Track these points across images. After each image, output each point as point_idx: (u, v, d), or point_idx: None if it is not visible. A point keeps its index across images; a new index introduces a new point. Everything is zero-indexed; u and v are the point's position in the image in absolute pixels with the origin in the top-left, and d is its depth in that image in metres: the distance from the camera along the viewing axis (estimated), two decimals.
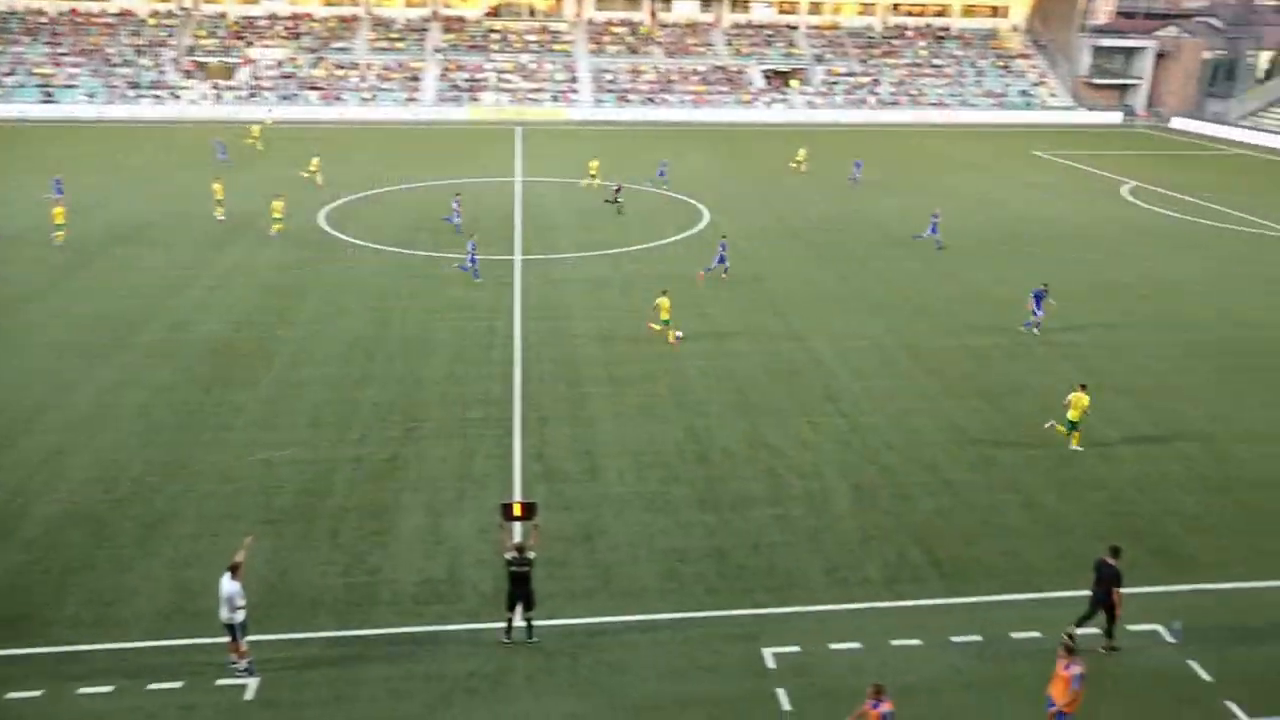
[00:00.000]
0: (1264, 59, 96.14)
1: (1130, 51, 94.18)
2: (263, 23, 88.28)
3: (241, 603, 14.77)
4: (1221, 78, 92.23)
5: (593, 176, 51.76)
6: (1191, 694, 14.86)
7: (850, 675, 15.15)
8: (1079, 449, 22.42)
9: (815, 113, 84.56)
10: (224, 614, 14.82)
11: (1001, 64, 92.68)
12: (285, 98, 79.67)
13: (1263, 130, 79.26)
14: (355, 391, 25.00)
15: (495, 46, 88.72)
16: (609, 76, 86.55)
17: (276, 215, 40.86)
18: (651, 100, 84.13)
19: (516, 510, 15.95)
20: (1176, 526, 19.26)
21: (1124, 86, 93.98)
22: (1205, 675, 15.22)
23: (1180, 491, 20.63)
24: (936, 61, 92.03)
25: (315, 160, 52.03)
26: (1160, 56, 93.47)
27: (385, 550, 18.25)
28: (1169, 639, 15.98)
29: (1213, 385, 26.40)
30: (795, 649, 15.73)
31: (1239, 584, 17.50)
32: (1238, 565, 18.05)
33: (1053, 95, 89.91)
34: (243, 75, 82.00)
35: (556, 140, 70.31)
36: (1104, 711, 14.29)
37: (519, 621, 15.91)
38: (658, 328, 29.05)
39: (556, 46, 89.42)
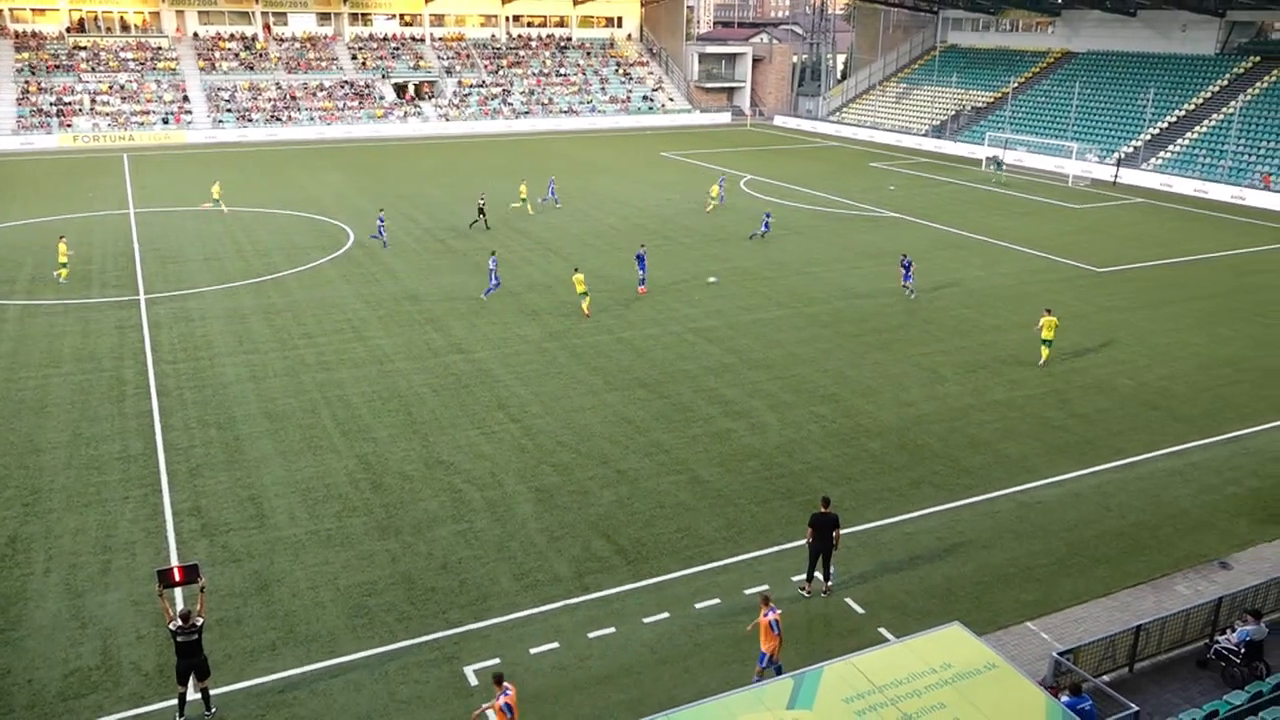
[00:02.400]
0: (840, 61, 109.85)
1: (732, 57, 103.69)
2: None
3: None
4: (809, 79, 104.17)
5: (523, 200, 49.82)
6: (851, 626, 16.68)
7: (553, 675, 15.37)
8: (1043, 365, 28.42)
9: (450, 125, 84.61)
10: None
11: (622, 71, 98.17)
12: None
13: (845, 124, 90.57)
14: None
15: (85, 65, 79.72)
16: (226, 95, 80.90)
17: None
18: (277, 119, 79.81)
19: (176, 575, 14.48)
20: (819, 480, 21.52)
21: (731, 89, 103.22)
22: (859, 609, 17.15)
23: (819, 449, 23.07)
24: (562, 70, 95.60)
25: (216, 186, 49.88)
26: (757, 61, 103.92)
27: (16, 647, 15.80)
28: (826, 583, 17.77)
29: (834, 351, 29.77)
30: (496, 661, 15.68)
31: (876, 523, 19.91)
32: (873, 506, 20.52)
33: (671, 100, 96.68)
34: None
35: (174, 166, 64.55)
36: (783, 654, 15.63)
37: (193, 695, 14.46)
38: (585, 306, 32.20)
39: (160, 64, 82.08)
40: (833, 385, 26.97)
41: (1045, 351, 28.82)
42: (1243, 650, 15.28)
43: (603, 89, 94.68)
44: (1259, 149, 61.42)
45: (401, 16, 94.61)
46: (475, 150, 73.84)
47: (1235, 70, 68.95)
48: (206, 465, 21.83)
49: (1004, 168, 63.40)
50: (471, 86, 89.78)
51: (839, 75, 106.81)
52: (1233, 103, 65.02)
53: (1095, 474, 22.05)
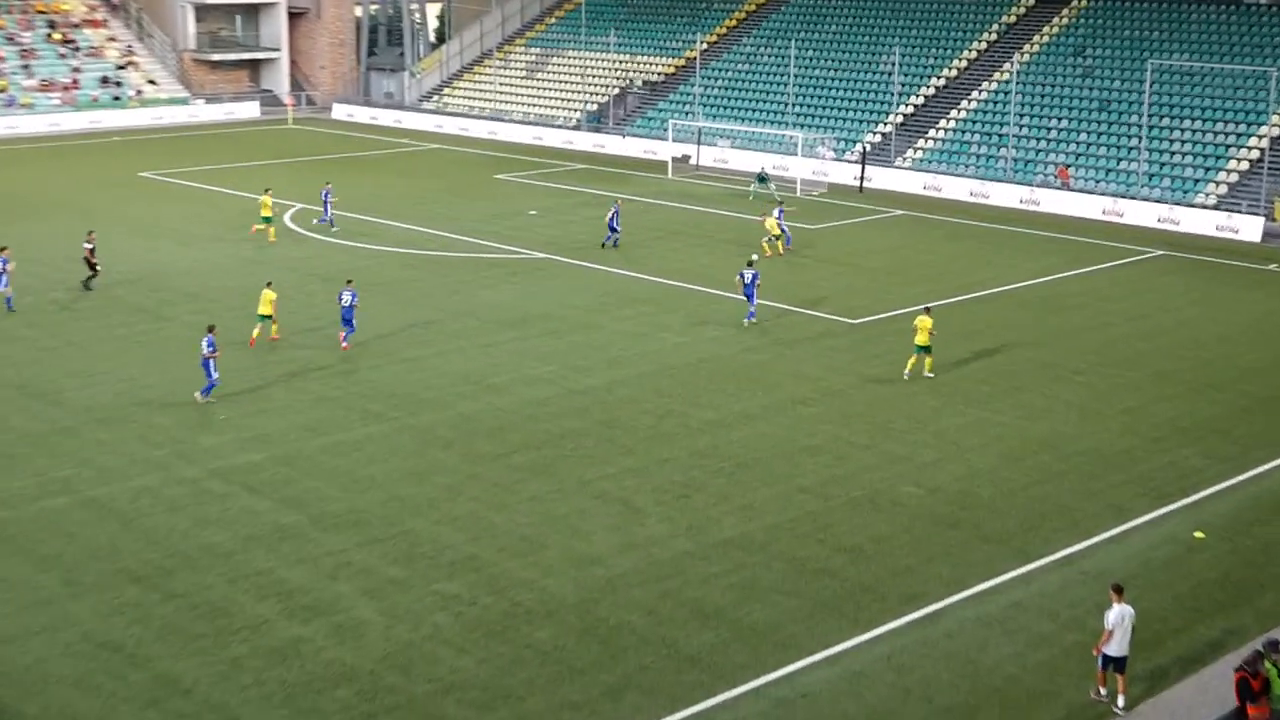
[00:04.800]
0: (433, 15, 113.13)
1: (253, 10, 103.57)
2: None
3: None
4: (386, 44, 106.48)
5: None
6: None
7: None
8: (930, 375, 37.19)
9: None
10: None
11: (62, 38, 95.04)
12: None
13: (448, 114, 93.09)
14: None
15: None
16: None
17: None
18: None
19: None
20: (458, 707, 21.26)
21: (256, 63, 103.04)
22: None
23: (454, 653, 22.87)
24: None
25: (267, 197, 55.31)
26: (297, 16, 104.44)
27: None
28: None
29: (465, 485, 29.94)
30: None
31: None
32: None
33: (152, 83, 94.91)
34: None
35: None
36: None
37: None
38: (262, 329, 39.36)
39: None
40: (468, 543, 26.99)
41: (913, 360, 37.32)
42: None
43: (26, 69, 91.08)
44: (1049, 131, 70.25)
45: None
46: None
47: (1005, 18, 78.83)
48: None
49: (770, 182, 67.27)
50: None
51: (433, 38, 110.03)
52: (1007, 65, 74.08)
53: (881, 638, 23.50)
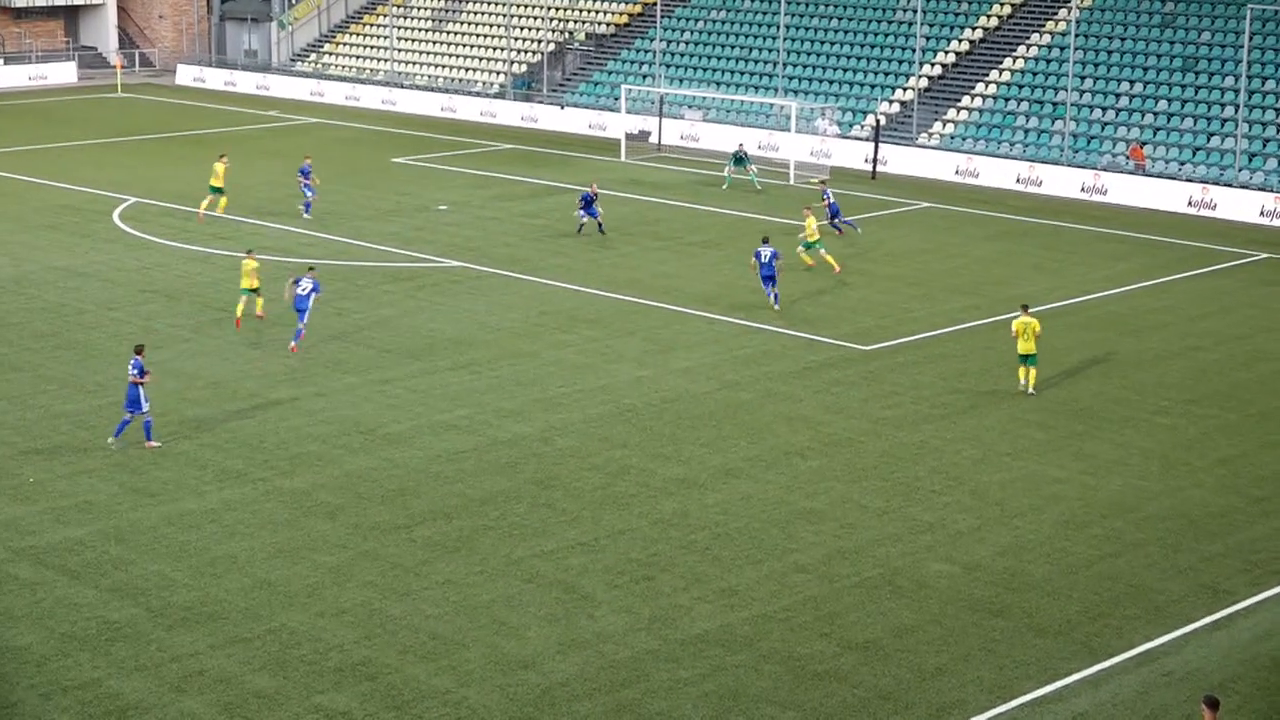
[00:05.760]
0: None
1: None
2: None
3: None
4: None
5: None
6: None
7: None
8: (1034, 391, 39.32)
9: None
10: None
11: None
12: None
13: (328, 78, 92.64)
14: None
15: None
16: None
17: None
18: None
19: None
20: None
21: (74, 11, 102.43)
22: None
23: None
24: None
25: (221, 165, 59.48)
26: None
27: None
28: None
29: (355, 566, 29.69)
30: None
31: None
32: None
33: None
34: None
35: None
36: None
37: None
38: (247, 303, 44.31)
39: None
40: (359, 643, 26.72)
41: (1025, 372, 39.50)
42: None
43: None
44: (1118, 99, 70.22)
45: None
46: None
47: None
48: None
49: (749, 164, 66.70)
50: None
51: None
52: (1062, 13, 74.20)
53: None
